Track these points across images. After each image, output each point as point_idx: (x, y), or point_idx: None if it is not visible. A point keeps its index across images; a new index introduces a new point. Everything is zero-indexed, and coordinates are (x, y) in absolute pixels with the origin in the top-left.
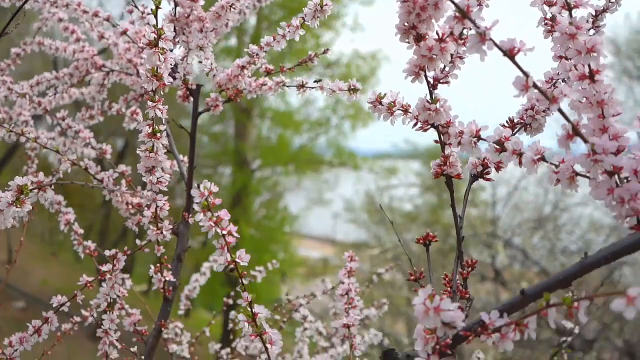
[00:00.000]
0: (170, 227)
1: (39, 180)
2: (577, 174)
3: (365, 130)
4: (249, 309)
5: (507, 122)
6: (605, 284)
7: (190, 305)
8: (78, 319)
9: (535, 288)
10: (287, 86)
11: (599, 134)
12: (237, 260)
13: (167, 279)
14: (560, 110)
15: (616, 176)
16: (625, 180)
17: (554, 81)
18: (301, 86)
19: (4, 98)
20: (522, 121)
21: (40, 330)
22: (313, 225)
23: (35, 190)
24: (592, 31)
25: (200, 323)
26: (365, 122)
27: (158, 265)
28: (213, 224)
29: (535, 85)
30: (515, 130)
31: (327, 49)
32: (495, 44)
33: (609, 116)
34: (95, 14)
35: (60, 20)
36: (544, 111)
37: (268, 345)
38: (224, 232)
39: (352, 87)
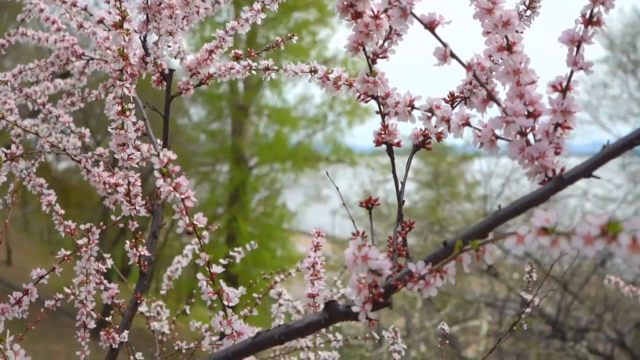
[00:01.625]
0: (143, 203)
1: (11, 151)
2: (497, 137)
3: (362, 127)
4: (207, 269)
5: (447, 95)
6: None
7: (192, 301)
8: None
9: (455, 239)
10: (255, 69)
11: (517, 100)
12: (195, 222)
13: (142, 253)
14: (475, 77)
15: (531, 137)
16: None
17: (492, 57)
18: (266, 69)
19: None
20: (461, 95)
21: (21, 302)
22: (311, 222)
23: (8, 162)
24: (528, 12)
25: (200, 321)
26: (362, 119)
27: (133, 240)
28: (172, 189)
29: (452, 55)
30: (456, 103)
31: (293, 35)
32: (417, 18)
33: (525, 84)
34: (74, 4)
35: (41, 10)
36: (481, 85)
37: (225, 302)
38: (183, 196)
39: (312, 69)
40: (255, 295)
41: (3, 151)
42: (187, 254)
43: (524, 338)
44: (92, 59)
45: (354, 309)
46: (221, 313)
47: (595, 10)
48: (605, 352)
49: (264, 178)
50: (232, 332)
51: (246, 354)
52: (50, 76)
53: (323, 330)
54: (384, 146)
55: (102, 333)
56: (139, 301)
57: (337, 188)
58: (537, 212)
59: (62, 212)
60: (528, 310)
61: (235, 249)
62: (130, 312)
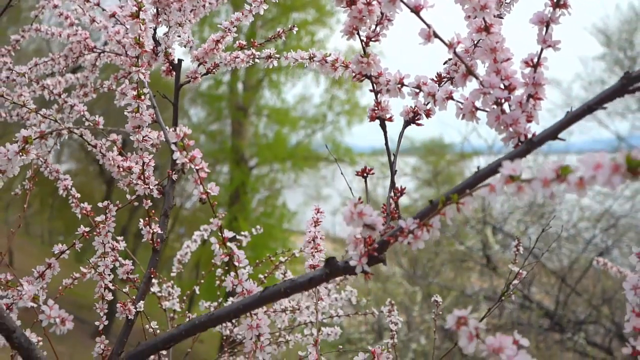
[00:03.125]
0: (156, 182)
1: (41, 130)
2: (477, 108)
3: (362, 127)
4: (219, 234)
5: (435, 76)
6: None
7: (195, 295)
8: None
9: (439, 197)
10: (258, 58)
11: (494, 74)
12: (208, 190)
13: (155, 231)
14: (456, 54)
15: (507, 107)
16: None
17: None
18: (269, 57)
19: (6, 78)
20: (447, 75)
21: (44, 275)
22: None
23: (38, 139)
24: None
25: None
26: (362, 118)
27: (147, 219)
28: (188, 161)
29: (435, 35)
30: (443, 82)
31: (294, 26)
32: (404, 2)
33: (501, 61)
34: (87, 0)
35: (55, 6)
36: (461, 61)
37: (236, 263)
38: (197, 167)
39: (312, 56)
40: (260, 275)
41: (34, 129)
42: (195, 239)
43: (522, 331)
44: (103, 51)
45: (352, 262)
46: (232, 274)
47: None
48: (603, 344)
49: (264, 178)
50: (243, 290)
51: (256, 305)
52: (64, 68)
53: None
54: (383, 145)
55: (118, 305)
56: (152, 276)
57: (349, 188)
58: (504, 163)
59: (78, 195)
60: (515, 282)
61: (242, 232)
62: (144, 286)
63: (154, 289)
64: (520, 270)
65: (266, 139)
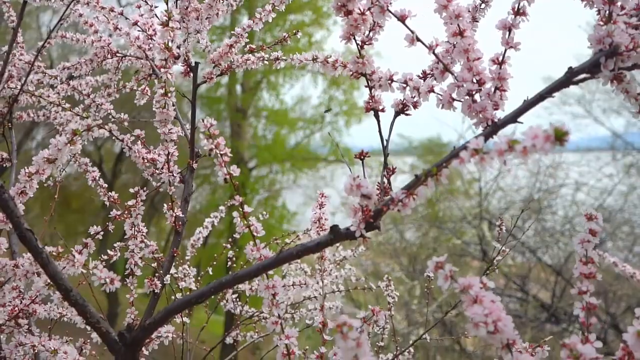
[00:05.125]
0: (179, 170)
1: (88, 123)
2: (453, 99)
3: (360, 127)
4: (240, 209)
5: (421, 73)
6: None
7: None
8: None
9: (422, 173)
10: (267, 60)
11: (466, 71)
12: (231, 172)
13: (177, 215)
14: (435, 55)
15: (478, 97)
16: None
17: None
18: (277, 59)
19: (37, 81)
20: (431, 72)
21: (81, 252)
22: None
23: (85, 132)
24: (483, 5)
25: (202, 323)
26: (360, 118)
27: (170, 203)
28: (214, 147)
29: (418, 39)
30: (428, 78)
31: (298, 31)
32: (392, 13)
33: (473, 60)
34: (111, 10)
35: (80, 15)
36: (439, 60)
37: (254, 233)
38: (222, 152)
39: (315, 57)
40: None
41: (81, 123)
42: (207, 226)
43: (520, 324)
44: (124, 56)
45: (352, 228)
46: (251, 242)
47: (522, 4)
48: (598, 336)
49: (264, 179)
50: (260, 256)
51: (273, 265)
52: (91, 71)
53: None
54: (382, 146)
55: (146, 280)
56: (175, 254)
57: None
58: (471, 140)
59: (105, 185)
60: (499, 258)
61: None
62: (168, 264)
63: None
64: (503, 248)
65: (265, 140)
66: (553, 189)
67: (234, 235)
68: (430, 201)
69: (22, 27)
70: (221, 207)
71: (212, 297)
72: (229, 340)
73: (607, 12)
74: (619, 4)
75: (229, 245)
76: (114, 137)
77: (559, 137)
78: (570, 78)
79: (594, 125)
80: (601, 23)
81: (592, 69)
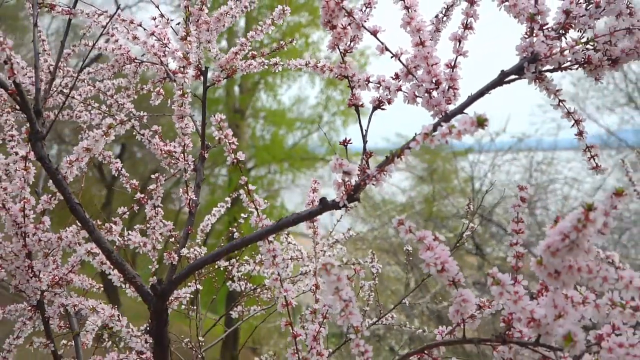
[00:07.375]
0: (193, 159)
1: (121, 118)
2: (416, 95)
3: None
4: (246, 187)
5: (394, 74)
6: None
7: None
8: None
9: (386, 158)
10: (267, 65)
11: (426, 73)
12: (237, 157)
13: (191, 197)
14: (400, 60)
15: (435, 94)
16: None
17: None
18: (276, 64)
19: (65, 84)
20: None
21: (117, 223)
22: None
23: (119, 125)
24: (444, 18)
25: (206, 328)
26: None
27: (185, 187)
28: (223, 137)
29: (386, 48)
30: (400, 79)
31: (293, 39)
32: (365, 28)
33: (431, 64)
34: (131, 22)
35: (103, 27)
36: (404, 66)
37: (258, 207)
38: (230, 141)
39: (307, 63)
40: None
41: (114, 117)
42: (214, 214)
43: None
44: (142, 62)
45: (336, 199)
46: (255, 214)
47: (469, 20)
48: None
49: (262, 179)
50: (263, 225)
51: (273, 231)
52: (113, 75)
53: None
54: (379, 144)
55: (165, 254)
56: (189, 232)
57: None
58: (423, 126)
59: (127, 174)
60: (468, 233)
61: (242, 215)
62: (183, 240)
63: (183, 251)
64: (472, 225)
65: (263, 141)
66: (544, 184)
67: (239, 220)
68: (428, 199)
69: (22, 29)
70: (227, 198)
71: (222, 276)
72: (234, 314)
73: (529, 27)
74: (539, 21)
75: (234, 229)
76: (134, 132)
77: (480, 122)
78: (502, 78)
79: (588, 122)
80: (526, 36)
81: (518, 71)
